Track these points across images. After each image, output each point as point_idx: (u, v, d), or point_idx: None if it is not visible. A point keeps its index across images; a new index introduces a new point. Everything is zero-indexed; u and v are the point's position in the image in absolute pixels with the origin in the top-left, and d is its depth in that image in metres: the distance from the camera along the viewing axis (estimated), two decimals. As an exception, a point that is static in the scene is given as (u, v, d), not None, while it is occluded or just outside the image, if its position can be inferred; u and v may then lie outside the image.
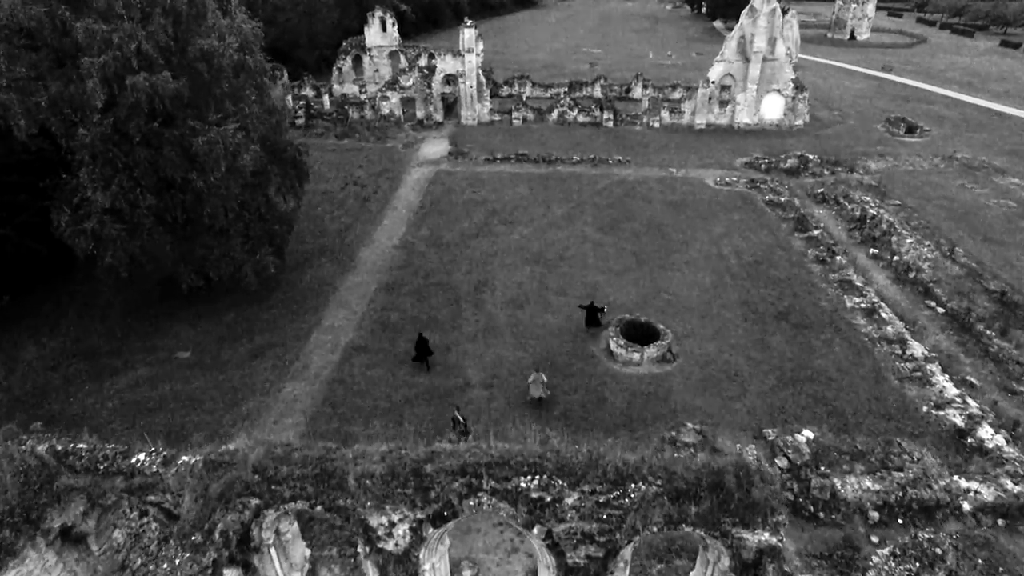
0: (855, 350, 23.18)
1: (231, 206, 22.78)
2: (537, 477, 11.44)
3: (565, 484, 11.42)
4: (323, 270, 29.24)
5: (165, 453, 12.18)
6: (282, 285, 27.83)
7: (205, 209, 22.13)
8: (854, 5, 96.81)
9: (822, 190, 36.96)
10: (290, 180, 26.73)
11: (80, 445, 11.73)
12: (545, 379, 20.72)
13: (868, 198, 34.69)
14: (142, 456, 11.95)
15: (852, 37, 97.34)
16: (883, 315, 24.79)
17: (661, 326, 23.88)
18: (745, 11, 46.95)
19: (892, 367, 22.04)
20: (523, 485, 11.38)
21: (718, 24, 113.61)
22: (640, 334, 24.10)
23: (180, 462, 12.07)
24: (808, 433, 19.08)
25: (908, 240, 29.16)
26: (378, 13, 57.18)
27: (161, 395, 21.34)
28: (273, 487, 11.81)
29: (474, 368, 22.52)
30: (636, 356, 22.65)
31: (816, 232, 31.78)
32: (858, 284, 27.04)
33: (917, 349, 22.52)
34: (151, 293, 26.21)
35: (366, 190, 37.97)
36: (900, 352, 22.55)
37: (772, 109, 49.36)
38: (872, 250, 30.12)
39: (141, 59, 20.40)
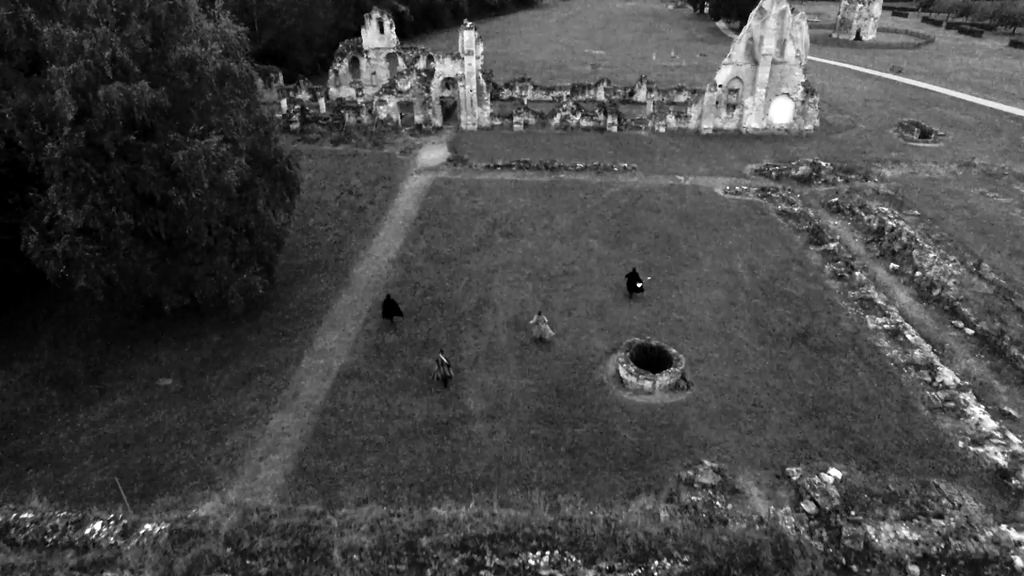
0: (880, 376, 21.75)
1: (215, 224, 21.33)
2: (548, 552, 10.05)
3: (580, 561, 10.03)
4: (316, 287, 27.79)
5: (125, 522, 10.76)
6: (272, 304, 26.39)
7: (187, 228, 20.69)
8: (860, 5, 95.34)
9: (836, 199, 35.52)
10: (280, 193, 25.29)
11: (25, 515, 10.29)
12: (547, 320, 23.83)
13: (885, 208, 33.24)
14: (97, 526, 10.56)
15: (858, 37, 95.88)
16: (908, 337, 23.35)
17: (673, 350, 22.45)
18: (754, 12, 45.49)
19: (922, 396, 20.60)
20: (532, 562, 9.98)
21: (721, 24, 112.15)
22: (651, 358, 22.70)
23: (142, 532, 10.66)
24: (835, 472, 17.65)
25: (931, 255, 27.71)
26: (375, 14, 55.72)
27: (140, 428, 19.90)
28: (248, 562, 10.40)
29: (475, 397, 21.09)
30: (648, 384, 21.21)
31: (832, 245, 30.34)
32: (880, 303, 25.60)
33: (947, 376, 21.09)
34: (133, 313, 24.73)
35: (362, 199, 36.52)
36: (929, 379, 21.12)
37: (781, 113, 47.91)
38: (892, 265, 28.68)
39: (116, 67, 18.97)
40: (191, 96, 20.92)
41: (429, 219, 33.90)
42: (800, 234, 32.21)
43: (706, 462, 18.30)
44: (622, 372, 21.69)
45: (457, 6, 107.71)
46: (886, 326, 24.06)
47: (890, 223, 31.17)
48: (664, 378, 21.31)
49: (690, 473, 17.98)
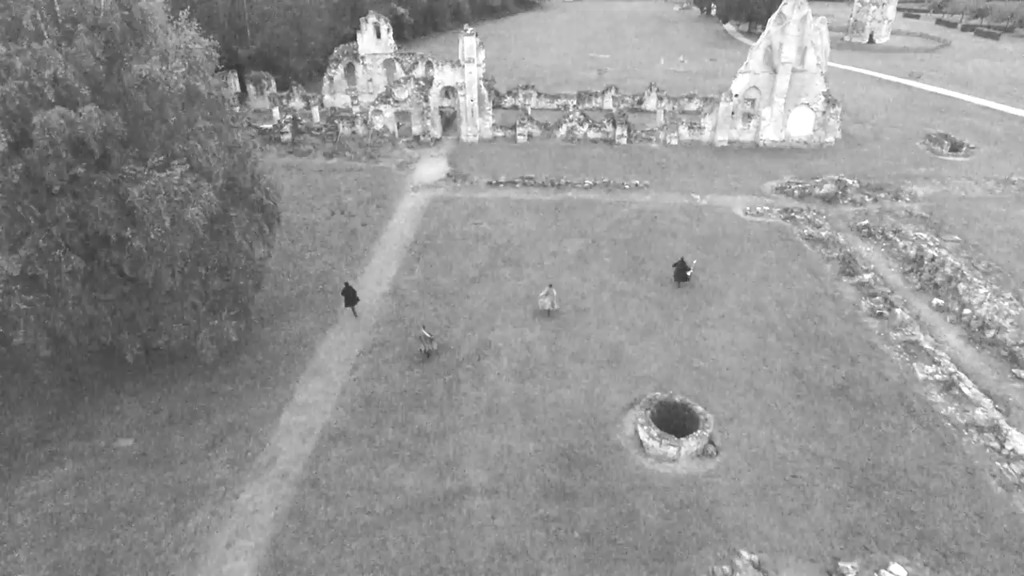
0: (938, 441, 19.08)
1: (180, 265, 18.70)
2: None
3: None
4: (300, 325, 25.17)
5: None
6: (251, 346, 23.78)
7: (146, 272, 18.07)
8: (873, 7, 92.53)
9: (867, 222, 32.82)
10: (258, 225, 22.66)
11: None
12: (555, 293, 25.46)
13: (924, 234, 30.54)
14: None
15: (871, 40, 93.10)
16: (965, 391, 20.68)
17: (699, 409, 19.81)
18: (773, 18, 42.81)
19: (990, 467, 17.95)
20: None
21: (729, 27, 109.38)
22: (674, 416, 20.09)
23: None
24: (898, 570, 15.02)
25: (981, 290, 25.02)
26: (371, 19, 53.09)
27: (89, 504, 17.29)
28: None
29: (475, 465, 18.46)
30: (672, 451, 18.58)
31: (867, 277, 27.66)
32: (927, 347, 22.93)
33: (1020, 442, 18.40)
34: (94, 358, 22.10)
35: (354, 221, 33.90)
36: (998, 445, 18.45)
37: (801, 125, 45.21)
38: (936, 300, 26.00)
39: (59, 89, 16.37)
40: (151, 120, 18.30)
41: (426, 244, 31.26)
42: (830, 262, 29.52)
43: (744, 553, 15.68)
44: (642, 435, 19.04)
45: (458, 9, 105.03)
46: (937, 376, 21.39)
47: (930, 251, 28.47)
48: (690, 444, 18.66)
49: (726, 569, 15.37)
